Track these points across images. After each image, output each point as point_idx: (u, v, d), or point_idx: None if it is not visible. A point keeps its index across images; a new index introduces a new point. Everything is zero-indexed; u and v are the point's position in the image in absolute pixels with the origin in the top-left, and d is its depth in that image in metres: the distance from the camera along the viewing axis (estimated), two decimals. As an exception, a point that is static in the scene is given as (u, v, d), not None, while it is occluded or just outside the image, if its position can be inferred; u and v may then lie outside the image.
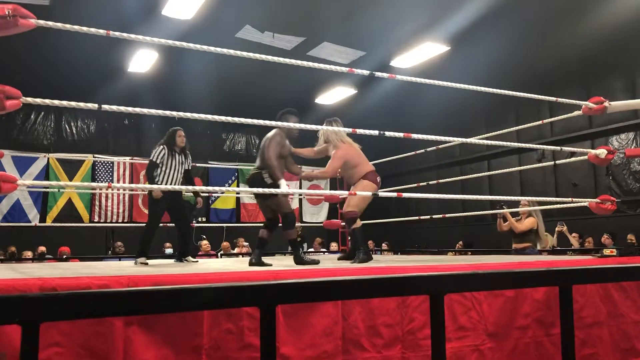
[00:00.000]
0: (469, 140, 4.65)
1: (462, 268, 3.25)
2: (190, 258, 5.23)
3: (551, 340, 3.13)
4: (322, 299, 1.72)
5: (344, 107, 13.55)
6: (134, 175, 12.96)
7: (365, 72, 4.03)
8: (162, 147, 5.10)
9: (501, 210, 6.70)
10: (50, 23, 2.89)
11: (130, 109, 3.07)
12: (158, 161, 5.04)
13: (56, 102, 2.88)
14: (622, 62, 10.13)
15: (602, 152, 4.47)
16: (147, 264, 4.66)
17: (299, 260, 4.45)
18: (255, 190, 4.20)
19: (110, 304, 1.03)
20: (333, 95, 13.32)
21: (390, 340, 2.78)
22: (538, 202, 6.88)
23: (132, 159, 12.71)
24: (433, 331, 1.30)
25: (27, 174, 11.75)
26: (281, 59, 3.56)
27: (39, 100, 2.83)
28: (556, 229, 8.04)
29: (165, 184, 5.01)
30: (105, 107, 2.99)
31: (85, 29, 2.99)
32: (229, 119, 3.30)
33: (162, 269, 3.90)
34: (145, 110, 3.14)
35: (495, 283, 1.46)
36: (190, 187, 4.94)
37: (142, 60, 10.62)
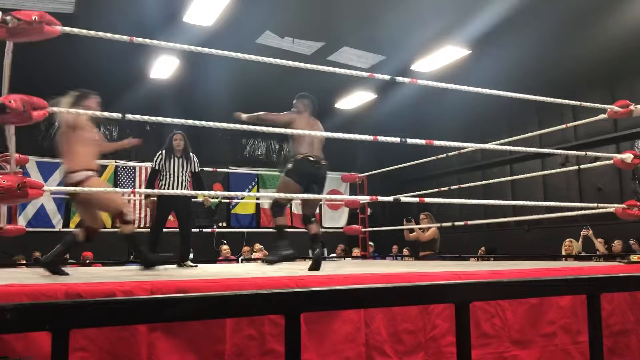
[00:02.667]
0: (491, 146, 4.60)
1: (486, 276, 3.21)
2: (189, 263, 5.20)
3: (578, 349, 3.07)
4: (347, 307, 1.72)
5: (364, 112, 13.52)
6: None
7: (386, 77, 4.01)
8: (160, 152, 5.16)
9: (411, 226, 7.68)
10: (75, 30, 2.94)
11: (153, 119, 3.10)
12: (157, 167, 5.13)
13: (81, 111, 2.93)
14: (647, 64, 9.94)
15: (628, 156, 4.39)
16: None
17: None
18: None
19: (136, 312, 1.04)
20: (353, 100, 13.28)
21: (413, 347, 2.75)
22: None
23: (153, 165, 12.82)
24: (458, 340, 1.28)
25: (52, 179, 11.93)
26: (301, 64, 3.56)
27: (64, 110, 2.88)
28: (581, 233, 7.91)
29: (167, 189, 5.06)
30: (129, 116, 3.03)
31: (109, 35, 3.04)
32: (250, 127, 3.31)
33: (182, 272, 3.92)
34: (168, 120, 3.17)
35: (523, 291, 1.43)
36: (203, 192, 4.85)
37: (164, 67, 10.73)
